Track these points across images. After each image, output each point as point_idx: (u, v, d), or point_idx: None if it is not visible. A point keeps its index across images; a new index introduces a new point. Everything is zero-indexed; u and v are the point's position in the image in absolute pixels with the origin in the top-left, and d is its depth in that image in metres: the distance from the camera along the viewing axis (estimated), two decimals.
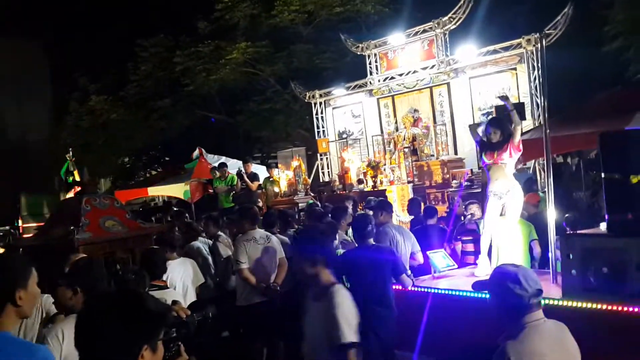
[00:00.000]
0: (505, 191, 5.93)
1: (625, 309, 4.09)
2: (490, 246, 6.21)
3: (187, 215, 11.72)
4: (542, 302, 2.75)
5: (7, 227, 16.71)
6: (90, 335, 1.78)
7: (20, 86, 26.03)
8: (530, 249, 6.43)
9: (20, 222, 16.57)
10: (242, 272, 5.87)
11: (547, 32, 11.38)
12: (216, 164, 14.08)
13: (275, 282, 6.00)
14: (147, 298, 1.92)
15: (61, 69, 24.55)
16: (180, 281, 5.47)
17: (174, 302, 2.79)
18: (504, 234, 6.11)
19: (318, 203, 10.90)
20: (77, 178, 9.78)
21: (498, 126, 6.09)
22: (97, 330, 1.76)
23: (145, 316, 1.82)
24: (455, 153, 13.34)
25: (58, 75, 25.92)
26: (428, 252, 6.29)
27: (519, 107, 11.16)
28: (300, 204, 11.61)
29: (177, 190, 15.20)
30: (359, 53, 15.25)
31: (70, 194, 11.38)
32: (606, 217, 4.41)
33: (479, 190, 9.75)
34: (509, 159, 5.93)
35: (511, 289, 2.62)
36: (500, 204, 6.02)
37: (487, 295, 2.89)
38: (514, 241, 6.16)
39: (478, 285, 3.01)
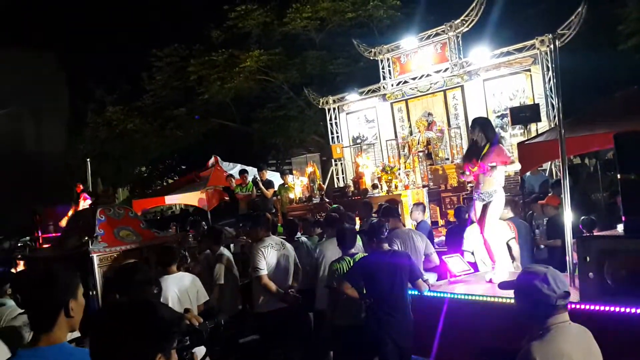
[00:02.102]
0: (489, 197, 5.68)
1: None
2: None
3: (203, 223, 11.79)
4: None
5: (27, 238, 16.86)
6: (104, 345, 1.79)
7: (37, 98, 26.35)
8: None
9: (39, 232, 16.71)
10: (262, 279, 5.85)
11: (560, 32, 11.31)
12: (231, 172, 14.16)
13: (292, 288, 6.03)
14: (160, 307, 1.93)
15: (77, 81, 24.87)
16: (176, 297, 4.94)
17: (186, 310, 2.81)
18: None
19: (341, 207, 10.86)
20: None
21: (479, 126, 5.69)
22: (111, 340, 1.77)
23: (159, 325, 1.82)
24: None
25: (74, 87, 26.24)
26: (444, 257, 6.26)
27: (534, 109, 11.11)
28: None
29: (193, 198, 15.29)
30: (371, 58, 15.25)
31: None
32: (623, 218, 4.34)
33: None
34: (496, 165, 5.56)
35: (539, 288, 2.59)
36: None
37: (512, 296, 2.84)
38: (496, 241, 6.00)
39: (505, 285, 2.98)
